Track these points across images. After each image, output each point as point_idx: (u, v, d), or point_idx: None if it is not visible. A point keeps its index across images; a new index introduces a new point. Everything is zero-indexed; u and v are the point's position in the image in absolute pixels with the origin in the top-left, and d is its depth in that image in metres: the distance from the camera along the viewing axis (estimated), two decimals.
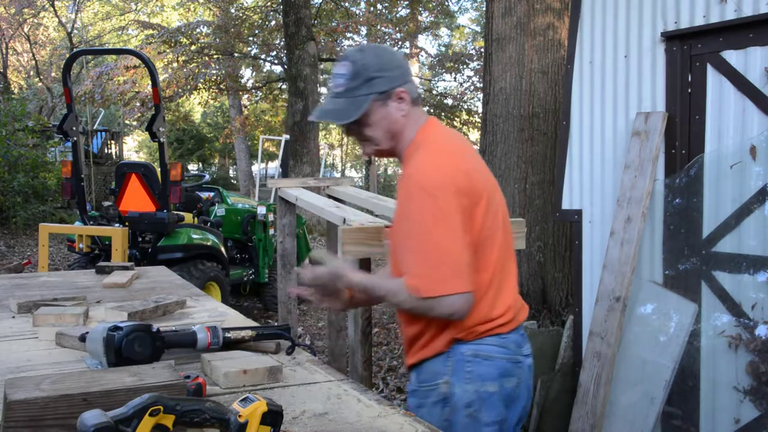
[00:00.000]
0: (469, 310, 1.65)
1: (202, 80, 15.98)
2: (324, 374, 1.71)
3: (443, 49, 28.00)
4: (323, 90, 21.38)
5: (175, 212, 5.90)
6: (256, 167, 20.17)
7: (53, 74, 20.71)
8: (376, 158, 2.25)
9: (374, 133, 1.77)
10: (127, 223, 5.75)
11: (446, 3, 19.09)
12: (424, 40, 33.62)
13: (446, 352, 1.74)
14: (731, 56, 2.99)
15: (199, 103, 19.81)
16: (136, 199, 5.95)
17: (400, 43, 20.27)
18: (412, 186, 1.66)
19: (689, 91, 3.15)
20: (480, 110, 14.92)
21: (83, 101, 15.00)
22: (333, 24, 17.46)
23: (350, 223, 3.13)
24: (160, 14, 22.59)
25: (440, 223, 1.61)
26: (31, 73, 21.87)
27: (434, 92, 20.54)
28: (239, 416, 1.14)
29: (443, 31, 25.84)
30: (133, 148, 32.93)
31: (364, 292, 1.80)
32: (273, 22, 17.54)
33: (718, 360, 3.03)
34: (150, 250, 5.81)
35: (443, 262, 1.61)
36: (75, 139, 5.79)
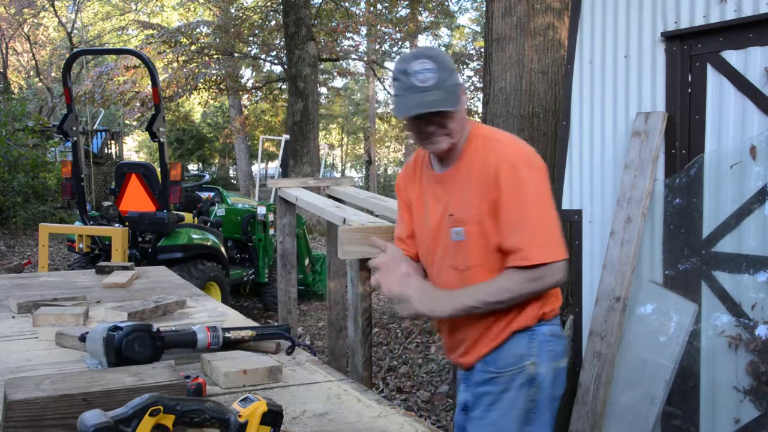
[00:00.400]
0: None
1: (202, 80, 15.99)
2: (324, 374, 1.71)
3: (443, 49, 28.02)
4: (323, 90, 21.40)
5: (175, 212, 5.91)
6: (256, 167, 20.18)
7: (53, 74, 20.71)
8: (437, 154, 2.26)
9: (456, 126, 1.80)
10: (127, 223, 5.75)
11: (446, 3, 19.10)
12: (424, 40, 33.60)
13: (530, 331, 1.82)
14: (731, 56, 2.99)
15: (199, 103, 19.82)
16: (136, 199, 5.96)
17: (400, 43, 20.29)
18: (519, 164, 1.73)
19: (689, 91, 3.15)
20: (480, 110, 14.91)
21: (83, 101, 15.00)
22: (333, 24, 17.46)
23: (350, 223, 3.13)
24: (160, 14, 22.59)
25: (548, 195, 1.75)
26: (31, 73, 21.87)
27: None
28: (239, 416, 1.15)
29: (443, 31, 25.86)
30: (133, 148, 32.94)
31: (464, 311, 1.79)
32: (273, 22, 17.54)
33: (718, 360, 3.03)
34: (150, 250, 5.81)
35: (556, 230, 1.74)
36: (75, 139, 5.79)
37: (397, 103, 1.79)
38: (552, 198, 1.77)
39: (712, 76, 3.07)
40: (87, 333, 1.67)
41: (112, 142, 17.93)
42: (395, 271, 1.87)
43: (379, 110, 27.26)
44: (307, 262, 7.52)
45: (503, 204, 1.73)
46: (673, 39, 3.19)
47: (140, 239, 5.94)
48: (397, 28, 18.45)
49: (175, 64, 16.06)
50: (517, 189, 1.71)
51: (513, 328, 1.82)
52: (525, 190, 1.71)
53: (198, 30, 16.64)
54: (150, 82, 6.26)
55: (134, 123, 21.23)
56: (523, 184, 1.72)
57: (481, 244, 1.78)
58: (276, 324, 2.48)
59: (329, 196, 4.72)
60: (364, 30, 18.33)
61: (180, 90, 15.64)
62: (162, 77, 15.40)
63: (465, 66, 17.96)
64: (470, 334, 1.86)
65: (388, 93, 20.65)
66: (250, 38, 17.53)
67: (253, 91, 20.40)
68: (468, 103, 18.88)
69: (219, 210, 6.97)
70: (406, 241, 2.03)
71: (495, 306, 1.75)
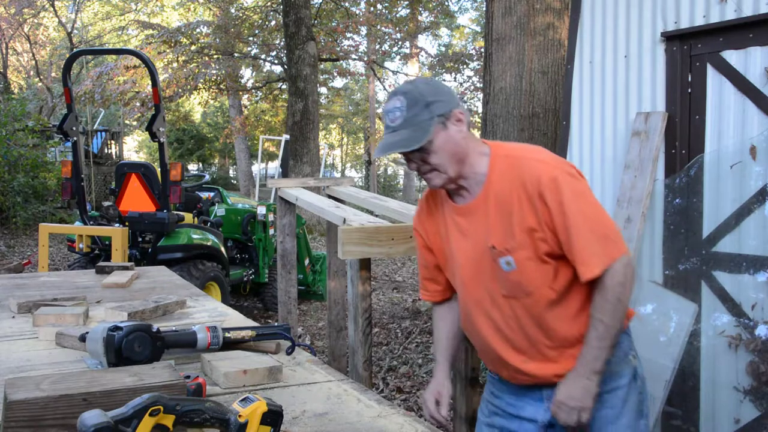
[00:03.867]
0: None
1: (202, 80, 15.99)
2: (324, 374, 1.71)
3: (443, 49, 28.02)
4: (323, 90, 21.40)
5: (175, 212, 5.91)
6: (256, 167, 20.17)
7: (53, 74, 20.70)
8: (439, 189, 2.29)
9: (440, 160, 1.72)
10: (127, 223, 5.75)
11: (446, 3, 19.10)
12: (424, 40, 33.65)
13: (627, 328, 1.86)
14: (731, 56, 2.99)
15: (199, 103, 19.81)
16: (136, 199, 5.96)
17: (400, 43, 20.30)
18: (559, 177, 1.69)
19: (689, 91, 3.15)
20: (480, 110, 14.91)
21: (83, 101, 15.01)
22: (333, 24, 17.47)
23: (350, 223, 3.13)
24: (160, 14, 22.59)
25: (595, 199, 1.74)
26: (31, 73, 21.87)
27: None
28: (239, 416, 1.15)
29: (443, 31, 25.87)
30: (133, 148, 32.94)
31: (603, 354, 1.73)
32: (273, 22, 17.54)
33: (718, 360, 3.02)
34: (150, 250, 5.81)
35: (616, 229, 1.74)
36: (75, 139, 5.79)
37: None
38: (595, 197, 1.76)
39: (712, 76, 3.06)
40: (87, 333, 1.67)
41: (112, 142, 17.92)
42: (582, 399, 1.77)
43: (379, 110, 27.22)
44: (307, 262, 7.52)
45: (558, 221, 1.67)
46: (673, 39, 3.19)
47: (140, 239, 5.94)
48: (397, 28, 18.45)
49: (175, 64, 16.06)
50: (571, 202, 1.67)
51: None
52: (578, 201, 1.67)
53: (198, 30, 16.64)
54: (150, 82, 6.26)
55: (134, 123, 21.22)
56: (566, 197, 1.67)
57: (535, 267, 1.72)
58: (276, 324, 2.48)
59: (329, 196, 4.72)
60: (364, 30, 18.33)
61: (180, 90, 15.64)
62: (162, 77, 15.41)
63: (465, 66, 17.96)
64: (558, 341, 1.80)
65: (388, 93, 20.64)
66: (250, 38, 17.54)
67: (253, 91, 20.41)
68: (468, 103, 18.76)
69: (219, 210, 6.97)
70: (436, 278, 1.99)
71: (621, 321, 1.73)
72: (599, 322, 1.69)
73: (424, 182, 1.87)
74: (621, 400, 1.80)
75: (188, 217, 6.22)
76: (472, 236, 1.79)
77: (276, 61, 18.54)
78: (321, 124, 20.36)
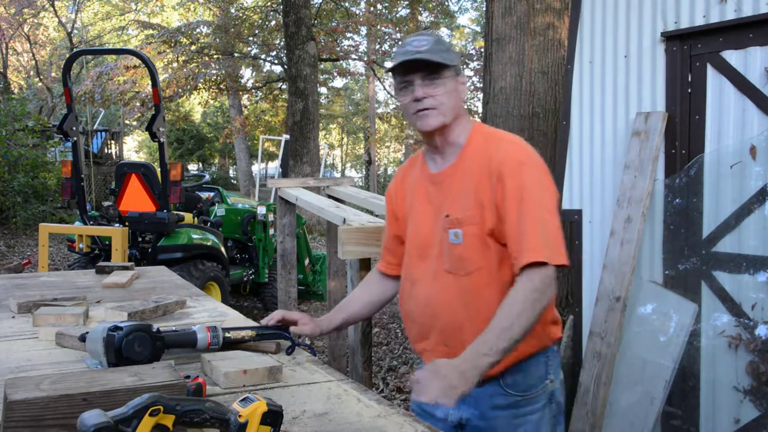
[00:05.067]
0: None
1: (202, 80, 16.00)
2: (324, 374, 1.71)
3: None
4: (323, 90, 21.39)
5: (175, 212, 5.91)
6: (256, 167, 20.18)
7: (53, 74, 20.71)
8: (428, 136, 2.17)
9: (446, 99, 1.73)
10: (127, 223, 5.75)
11: (446, 3, 19.10)
12: None
13: (546, 351, 1.78)
14: (731, 56, 2.99)
15: (199, 103, 19.83)
16: (136, 199, 5.96)
17: (400, 43, 20.28)
18: (526, 163, 1.68)
19: (689, 91, 3.15)
20: (480, 110, 14.91)
21: (83, 101, 15.02)
22: (333, 24, 17.47)
23: (350, 223, 3.13)
24: (160, 14, 22.59)
25: (554, 197, 1.68)
26: (31, 73, 21.88)
27: None
28: (239, 416, 1.15)
29: (443, 31, 25.85)
30: (133, 148, 32.95)
31: (503, 354, 1.55)
32: (273, 22, 17.55)
33: (718, 360, 3.03)
34: (150, 250, 5.81)
35: (560, 234, 1.66)
36: (75, 139, 5.79)
37: (391, 63, 1.78)
38: (556, 201, 1.72)
39: (712, 76, 3.07)
40: (87, 333, 1.67)
41: (112, 142, 17.93)
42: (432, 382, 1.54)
43: (379, 110, 27.24)
44: (307, 262, 7.52)
45: (508, 204, 1.65)
46: (673, 39, 3.19)
47: (140, 239, 5.94)
48: (397, 28, 18.44)
49: (175, 64, 16.06)
50: (524, 188, 1.64)
51: (532, 350, 1.75)
52: (532, 190, 1.65)
53: (198, 30, 16.65)
54: (150, 82, 6.26)
55: (134, 123, 21.24)
56: (531, 183, 1.65)
57: (480, 247, 1.70)
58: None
59: (329, 196, 4.73)
60: (364, 30, 18.34)
61: (180, 90, 15.65)
62: (162, 77, 15.41)
63: (465, 66, 17.96)
64: (476, 332, 1.72)
65: (389, 93, 20.66)
66: (250, 38, 17.54)
67: (253, 91, 20.41)
68: (468, 103, 18.75)
69: (219, 210, 6.97)
70: (394, 250, 1.98)
71: (526, 329, 1.56)
72: (502, 320, 1.56)
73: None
74: (533, 426, 1.77)
75: (188, 217, 6.22)
76: (436, 204, 1.80)
77: (276, 61, 18.55)
78: (321, 124, 20.37)
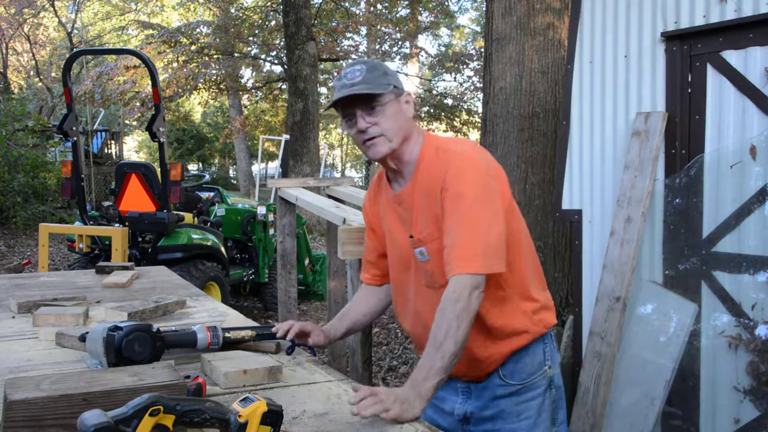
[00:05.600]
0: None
1: (202, 80, 15.99)
2: (324, 374, 1.71)
3: (443, 49, 28.01)
4: (323, 90, 21.39)
5: (175, 212, 5.90)
6: (256, 167, 20.18)
7: (53, 74, 20.71)
8: (378, 163, 2.23)
9: (390, 125, 1.73)
10: (127, 223, 5.75)
11: (446, 3, 19.09)
12: (424, 40, 33.64)
13: (543, 338, 1.82)
14: (731, 56, 2.99)
15: (199, 103, 19.81)
16: (136, 199, 5.95)
17: (400, 43, 20.29)
18: (463, 168, 1.67)
19: (689, 91, 3.15)
20: (480, 110, 14.91)
21: (83, 101, 15.01)
22: (333, 24, 17.46)
23: (350, 223, 3.13)
24: (160, 14, 22.58)
25: (490, 201, 1.65)
26: (31, 73, 21.87)
27: (434, 92, 20.54)
28: (239, 416, 1.15)
29: (443, 31, 25.85)
30: (133, 148, 32.94)
31: (444, 371, 1.53)
32: (273, 22, 17.54)
33: (718, 360, 3.03)
34: (150, 250, 5.81)
35: (492, 239, 1.62)
36: (75, 139, 5.79)
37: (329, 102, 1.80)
38: (495, 202, 1.66)
39: (712, 76, 3.06)
40: (87, 333, 1.67)
41: (112, 142, 17.93)
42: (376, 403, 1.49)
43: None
44: (307, 262, 7.52)
45: (446, 214, 1.66)
46: (673, 39, 3.19)
47: (140, 239, 5.94)
48: (397, 28, 18.45)
49: (175, 64, 16.06)
50: (460, 197, 1.64)
51: (525, 342, 1.79)
52: (467, 198, 1.63)
53: (198, 30, 16.63)
54: (150, 82, 6.26)
55: (134, 123, 21.22)
56: (467, 191, 1.64)
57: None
58: (276, 324, 2.48)
59: (329, 196, 4.73)
60: (364, 30, 18.33)
61: (180, 90, 15.64)
62: (162, 77, 15.41)
63: (465, 66, 17.96)
64: (473, 352, 1.79)
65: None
66: (250, 38, 17.53)
67: (253, 91, 20.40)
68: (468, 103, 18.71)
69: (219, 210, 6.97)
70: (376, 263, 1.99)
71: (460, 339, 1.54)
72: (432, 341, 1.55)
73: None
74: (535, 411, 1.82)
75: (188, 217, 6.22)
76: (405, 223, 1.82)
77: (276, 61, 18.55)
78: (321, 124, 20.36)
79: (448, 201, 1.66)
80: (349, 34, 17.97)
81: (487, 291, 1.63)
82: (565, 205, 3.66)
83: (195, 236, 6.01)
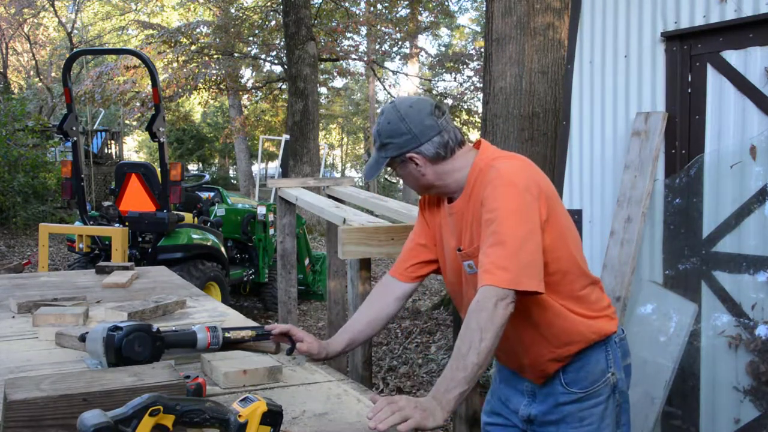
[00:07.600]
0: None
1: (202, 80, 15.99)
2: (324, 374, 1.71)
3: (443, 49, 28.02)
4: (323, 90, 21.39)
5: (175, 212, 5.91)
6: (256, 167, 20.17)
7: (53, 74, 20.71)
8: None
9: (408, 184, 1.87)
10: (127, 223, 5.75)
11: (446, 3, 19.09)
12: (424, 40, 33.61)
13: (604, 344, 1.83)
14: (731, 56, 2.99)
15: (199, 103, 19.82)
16: (136, 199, 5.96)
17: (400, 43, 20.30)
18: (499, 184, 1.66)
19: (689, 91, 3.15)
20: (480, 110, 14.91)
21: (83, 101, 15.01)
22: (333, 24, 17.46)
23: (350, 223, 3.13)
24: (160, 14, 22.59)
25: (525, 217, 1.62)
26: (31, 73, 21.87)
27: (434, 92, 20.54)
28: (239, 416, 1.15)
29: (443, 31, 25.87)
30: (133, 148, 32.94)
31: (467, 382, 1.50)
32: (273, 22, 17.54)
33: (718, 360, 3.02)
34: (150, 250, 5.81)
35: (522, 255, 1.59)
36: (75, 139, 5.79)
37: None
38: (531, 220, 1.63)
39: (712, 76, 3.06)
40: (87, 333, 1.67)
41: (112, 142, 17.93)
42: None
43: (379, 110, 27.18)
44: (307, 262, 7.53)
45: (482, 230, 1.66)
46: (673, 39, 3.19)
47: (140, 239, 5.94)
48: (397, 28, 18.45)
49: (175, 64, 16.06)
50: (495, 211, 1.63)
51: (582, 347, 1.80)
52: (500, 213, 1.62)
53: (198, 30, 16.63)
54: (150, 82, 6.26)
55: (134, 123, 21.22)
56: (502, 206, 1.63)
57: None
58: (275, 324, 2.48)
59: (329, 196, 4.73)
60: (364, 30, 18.33)
61: (180, 90, 15.64)
62: (162, 77, 15.41)
63: (465, 66, 17.96)
64: (532, 358, 1.81)
65: (388, 93, 20.65)
66: (250, 38, 17.53)
67: (253, 91, 20.39)
68: (468, 103, 18.67)
69: (219, 210, 6.97)
70: (411, 257, 1.99)
71: (486, 350, 1.51)
72: (456, 351, 1.52)
73: None
74: (598, 417, 1.83)
75: (188, 217, 6.22)
76: (455, 236, 1.84)
77: (276, 61, 18.54)
78: (321, 124, 20.37)
79: (485, 215, 1.67)
80: (349, 34, 17.97)
81: (536, 301, 1.68)
82: (565, 205, 3.65)
83: (195, 236, 6.01)
